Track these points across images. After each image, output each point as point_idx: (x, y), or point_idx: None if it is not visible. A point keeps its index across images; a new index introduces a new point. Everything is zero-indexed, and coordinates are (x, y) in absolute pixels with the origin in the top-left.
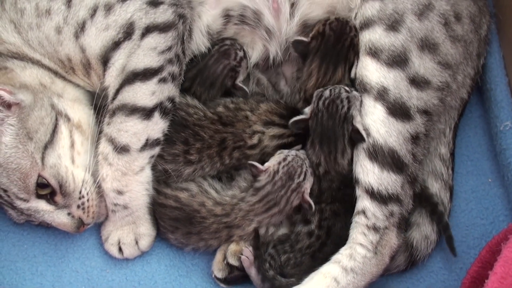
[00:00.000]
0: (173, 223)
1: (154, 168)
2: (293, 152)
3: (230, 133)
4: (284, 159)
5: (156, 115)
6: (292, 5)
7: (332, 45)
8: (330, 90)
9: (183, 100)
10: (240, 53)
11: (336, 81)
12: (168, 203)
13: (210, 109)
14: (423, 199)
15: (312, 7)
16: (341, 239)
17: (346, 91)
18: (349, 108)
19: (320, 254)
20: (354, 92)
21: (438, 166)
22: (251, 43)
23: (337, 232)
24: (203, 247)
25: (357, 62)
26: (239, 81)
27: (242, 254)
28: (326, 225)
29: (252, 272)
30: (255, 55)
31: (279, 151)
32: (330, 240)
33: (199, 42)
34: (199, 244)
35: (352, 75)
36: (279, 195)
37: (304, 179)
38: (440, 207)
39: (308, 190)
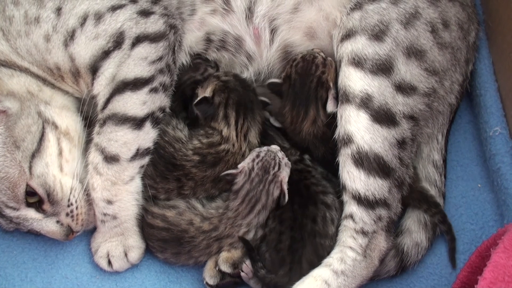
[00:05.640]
0: (162, 244)
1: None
2: (265, 148)
3: (223, 169)
4: (257, 156)
5: (148, 124)
6: (272, 31)
7: (299, 89)
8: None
9: (171, 131)
10: (211, 70)
11: (310, 120)
12: (156, 223)
13: (189, 144)
14: (423, 201)
15: (291, 32)
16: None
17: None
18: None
19: (299, 250)
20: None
21: (431, 172)
22: (229, 68)
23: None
24: (193, 263)
25: (332, 95)
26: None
27: (241, 270)
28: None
29: (252, 282)
30: None
31: (252, 150)
32: (299, 234)
33: (181, 59)
34: (188, 261)
35: (329, 109)
36: (258, 190)
37: (279, 168)
38: (442, 208)
39: (286, 179)
